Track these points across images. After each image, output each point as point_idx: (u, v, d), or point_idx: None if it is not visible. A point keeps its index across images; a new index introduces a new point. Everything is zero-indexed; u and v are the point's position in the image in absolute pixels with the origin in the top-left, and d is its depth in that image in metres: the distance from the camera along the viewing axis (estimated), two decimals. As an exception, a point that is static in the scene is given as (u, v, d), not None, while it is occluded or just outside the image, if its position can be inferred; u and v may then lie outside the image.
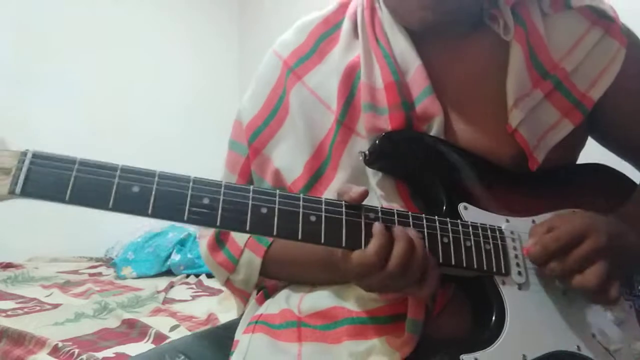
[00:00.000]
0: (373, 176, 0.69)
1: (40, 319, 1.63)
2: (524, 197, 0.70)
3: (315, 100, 0.75)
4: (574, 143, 0.77)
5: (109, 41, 3.31)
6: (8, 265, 2.51)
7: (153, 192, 0.49)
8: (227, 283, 0.80)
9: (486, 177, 0.69)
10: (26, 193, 0.47)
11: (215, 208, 0.51)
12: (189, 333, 1.45)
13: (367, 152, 0.67)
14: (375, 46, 0.73)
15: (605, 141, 0.83)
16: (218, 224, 0.51)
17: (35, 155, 0.49)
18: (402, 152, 0.68)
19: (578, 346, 0.62)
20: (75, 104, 3.11)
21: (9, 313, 1.71)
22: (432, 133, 0.69)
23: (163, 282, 2.30)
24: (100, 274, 2.55)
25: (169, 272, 2.54)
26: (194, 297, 2.04)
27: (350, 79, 0.73)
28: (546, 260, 0.60)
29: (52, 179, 0.48)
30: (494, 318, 0.61)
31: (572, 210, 0.69)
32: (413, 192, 0.69)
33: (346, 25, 0.77)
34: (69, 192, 0.47)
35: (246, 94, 0.83)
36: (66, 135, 3.04)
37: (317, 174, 0.73)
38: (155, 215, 0.49)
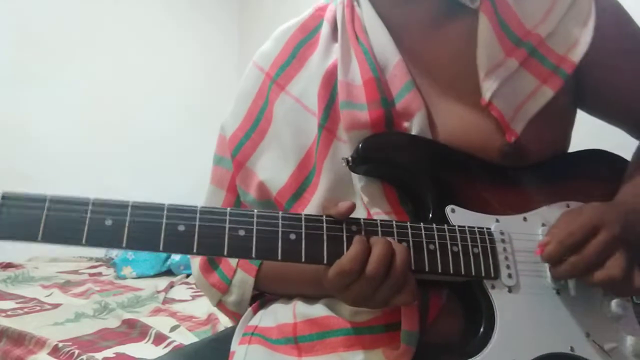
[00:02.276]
0: (358, 182, 0.68)
1: (40, 319, 1.65)
2: (515, 192, 0.68)
3: (300, 108, 0.73)
4: (560, 118, 0.74)
5: (109, 41, 3.32)
6: (8, 265, 2.53)
7: (126, 224, 0.48)
8: (220, 305, 0.79)
9: (475, 174, 0.68)
10: None
11: (192, 235, 0.50)
12: (189, 333, 1.46)
13: (350, 158, 0.65)
14: (355, 43, 0.71)
15: (596, 110, 0.80)
16: (195, 251, 0.50)
17: (4, 197, 0.48)
18: (386, 155, 0.66)
19: (572, 347, 0.61)
20: (75, 104, 3.12)
21: (9, 313, 1.72)
22: (415, 129, 0.67)
23: (163, 282, 2.32)
24: (100, 274, 2.57)
25: (169, 272, 2.56)
26: (194, 297, 2.06)
27: (330, 83, 0.71)
28: (562, 256, 0.59)
29: (24, 220, 0.47)
30: (483, 324, 0.61)
31: (565, 203, 0.68)
32: (400, 195, 0.68)
33: (324, 29, 0.75)
34: (40, 232, 0.47)
35: (229, 108, 0.81)
36: (66, 135, 3.05)
37: (305, 183, 0.72)
38: (131, 247, 0.48)
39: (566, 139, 0.77)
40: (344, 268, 0.54)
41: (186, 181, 2.62)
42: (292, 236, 0.54)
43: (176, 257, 2.54)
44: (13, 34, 2.96)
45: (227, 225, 0.52)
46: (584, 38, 0.69)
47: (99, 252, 2.93)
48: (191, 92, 3.57)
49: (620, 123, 0.80)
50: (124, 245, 0.48)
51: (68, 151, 3.05)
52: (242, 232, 0.52)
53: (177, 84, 3.53)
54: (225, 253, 0.51)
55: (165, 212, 0.50)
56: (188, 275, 2.47)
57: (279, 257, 0.53)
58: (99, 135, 3.17)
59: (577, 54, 0.69)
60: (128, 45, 3.38)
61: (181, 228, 0.50)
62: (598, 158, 0.76)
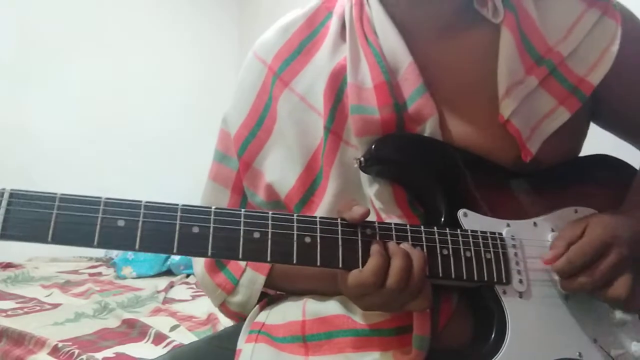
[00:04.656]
0: (369, 186, 0.66)
1: (40, 319, 1.64)
2: (525, 196, 0.68)
3: (306, 107, 0.70)
4: (575, 132, 0.74)
5: (109, 41, 3.29)
6: (8, 265, 2.52)
7: (139, 226, 0.47)
8: (223, 306, 0.77)
9: (486, 178, 0.67)
10: (6, 236, 0.45)
11: (206, 237, 0.49)
12: (189, 333, 1.45)
13: (362, 159, 0.64)
14: (364, 44, 0.68)
15: (610, 127, 0.80)
16: (209, 254, 0.49)
17: (12, 195, 0.46)
18: (398, 157, 0.65)
19: (580, 353, 0.61)
20: (75, 104, 3.10)
21: (9, 313, 1.72)
22: (427, 134, 0.66)
23: (163, 282, 2.31)
24: (100, 273, 2.55)
25: (169, 272, 2.55)
26: (194, 297, 2.05)
27: (336, 83, 0.68)
28: (572, 274, 0.60)
29: (33, 220, 0.45)
30: (495, 329, 0.60)
31: (574, 208, 0.67)
32: (411, 199, 0.67)
33: (334, 25, 0.72)
34: (50, 232, 0.45)
35: (230, 102, 0.79)
36: (66, 135, 3.03)
37: (312, 187, 0.70)
38: (144, 249, 0.47)
39: (578, 147, 0.77)
40: (365, 281, 0.53)
41: (186, 181, 2.61)
42: (308, 239, 0.53)
43: (176, 257, 2.52)
44: (13, 34, 2.94)
45: (241, 228, 0.51)
46: (606, 60, 0.68)
47: (99, 252, 2.91)
48: (190, 91, 3.55)
49: (633, 141, 0.81)
50: (136, 247, 0.47)
51: (68, 151, 3.03)
52: (256, 235, 0.51)
53: (177, 84, 3.51)
54: (239, 256, 0.50)
55: (179, 213, 0.49)
56: (188, 275, 2.46)
57: (294, 261, 0.52)
58: (98, 135, 3.15)
59: (597, 77, 0.68)
60: (127, 45, 3.36)
61: (195, 230, 0.49)
62: (604, 163, 0.76)
